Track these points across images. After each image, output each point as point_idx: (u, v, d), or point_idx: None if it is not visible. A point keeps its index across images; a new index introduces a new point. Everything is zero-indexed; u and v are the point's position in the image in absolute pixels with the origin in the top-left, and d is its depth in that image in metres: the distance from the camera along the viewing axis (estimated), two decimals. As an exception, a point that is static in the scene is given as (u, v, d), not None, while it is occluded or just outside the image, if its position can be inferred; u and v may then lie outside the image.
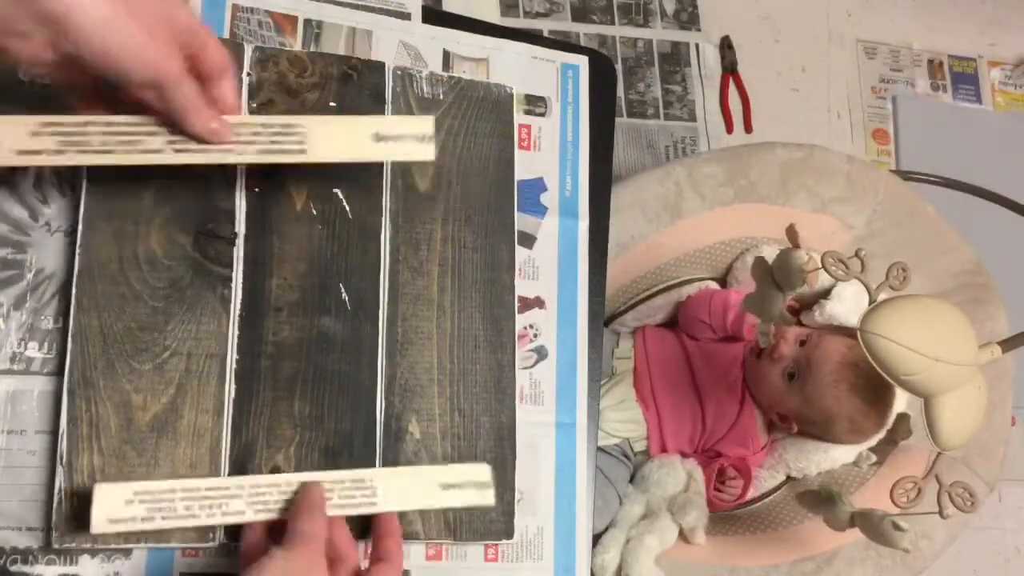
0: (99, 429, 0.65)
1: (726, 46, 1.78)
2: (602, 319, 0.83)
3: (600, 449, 1.17)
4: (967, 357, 0.81)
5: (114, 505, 0.61)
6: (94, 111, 0.60)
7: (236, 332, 0.69)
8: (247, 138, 0.62)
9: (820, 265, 0.84)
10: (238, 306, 0.69)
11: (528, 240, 0.81)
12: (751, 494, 1.25)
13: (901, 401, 1.18)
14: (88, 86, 0.58)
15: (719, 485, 1.21)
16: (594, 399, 0.81)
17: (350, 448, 0.70)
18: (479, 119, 0.79)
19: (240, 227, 0.71)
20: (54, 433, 0.64)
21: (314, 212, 0.72)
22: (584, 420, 0.80)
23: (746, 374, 1.24)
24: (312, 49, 0.77)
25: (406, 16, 0.81)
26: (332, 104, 0.74)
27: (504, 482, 0.74)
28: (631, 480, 1.23)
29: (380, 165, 0.75)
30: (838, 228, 1.24)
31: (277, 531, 0.63)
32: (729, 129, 1.75)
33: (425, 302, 0.74)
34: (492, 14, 1.63)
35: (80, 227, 0.67)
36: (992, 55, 1.96)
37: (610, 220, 0.85)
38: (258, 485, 0.65)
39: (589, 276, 0.82)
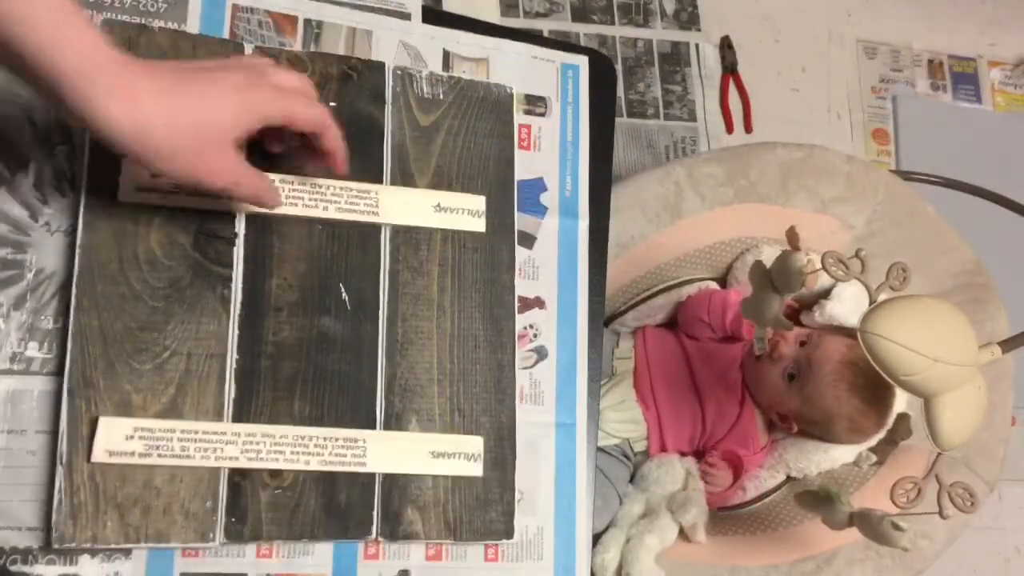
0: (99, 429, 0.65)
1: (726, 46, 1.78)
2: (602, 319, 0.83)
3: (600, 449, 1.17)
4: (967, 357, 0.81)
5: (115, 438, 0.64)
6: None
7: (236, 332, 0.69)
8: (330, 197, 0.72)
9: (819, 267, 0.84)
10: (238, 306, 0.69)
11: (528, 240, 0.81)
12: (751, 494, 1.24)
13: (901, 401, 1.18)
14: None
15: (704, 474, 1.21)
16: (594, 399, 0.81)
17: (350, 448, 0.71)
18: (479, 119, 0.79)
19: (240, 227, 0.71)
20: (54, 433, 0.64)
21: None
22: (584, 420, 0.79)
23: (746, 374, 1.24)
24: (312, 49, 0.77)
25: (406, 16, 0.81)
26: (332, 104, 0.74)
27: (504, 482, 0.74)
28: (631, 480, 1.23)
29: (379, 160, 0.75)
30: (838, 228, 1.24)
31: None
32: (729, 129, 1.75)
33: (425, 302, 0.74)
34: (492, 14, 1.63)
35: (80, 227, 0.67)
36: (992, 55, 1.95)
37: (610, 220, 0.85)
38: (254, 435, 0.67)
39: (589, 276, 0.82)
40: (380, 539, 0.70)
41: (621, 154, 1.66)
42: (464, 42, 0.82)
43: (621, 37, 1.73)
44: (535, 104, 0.84)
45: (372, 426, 0.71)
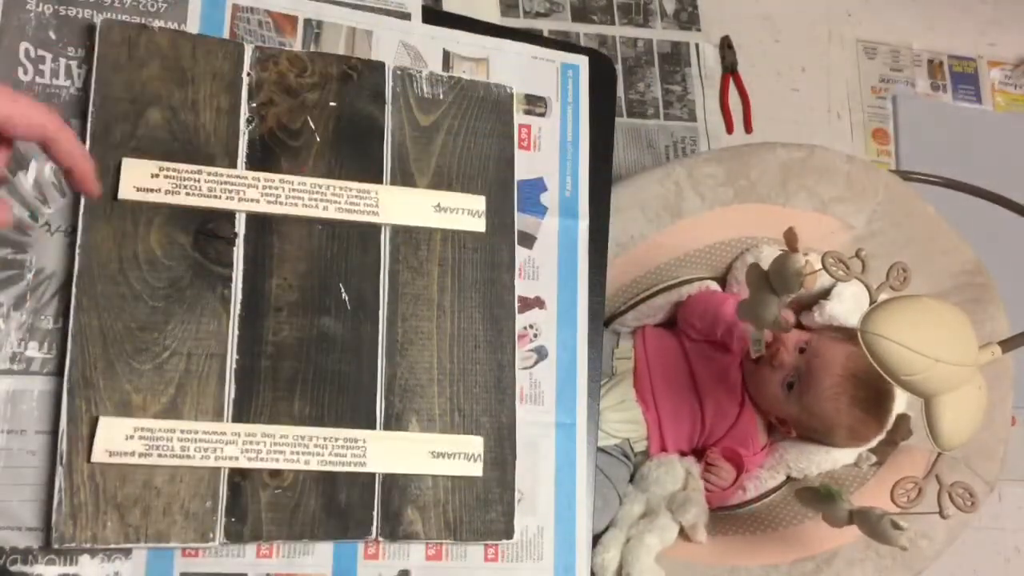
0: (99, 429, 0.65)
1: (726, 46, 1.78)
2: (602, 319, 0.83)
3: (600, 449, 1.17)
4: (967, 357, 0.81)
5: (115, 438, 0.64)
6: None
7: (236, 332, 0.69)
8: (330, 197, 0.72)
9: (818, 268, 0.84)
10: (238, 306, 0.69)
11: (528, 240, 0.81)
12: (751, 494, 1.24)
13: (901, 401, 1.18)
14: None
15: (707, 471, 1.21)
16: (594, 399, 0.81)
17: (350, 448, 0.71)
18: (479, 119, 0.79)
19: (240, 227, 0.71)
20: (54, 433, 0.64)
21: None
22: (584, 420, 0.79)
23: (745, 377, 1.24)
24: (312, 49, 0.77)
25: (406, 16, 0.81)
26: (332, 104, 0.74)
27: (504, 482, 0.74)
28: (630, 480, 1.23)
29: (379, 160, 0.75)
30: (838, 228, 1.24)
31: None
32: (729, 129, 1.75)
33: (425, 302, 0.74)
34: (492, 14, 1.63)
35: (80, 227, 0.67)
36: (992, 55, 1.95)
37: (610, 220, 0.85)
38: (254, 435, 0.67)
39: (589, 276, 0.82)
40: (380, 539, 0.70)
41: (621, 154, 1.66)
42: (464, 42, 0.82)
43: (621, 37, 1.73)
44: (535, 104, 0.84)
45: (372, 426, 0.71)
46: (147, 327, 0.67)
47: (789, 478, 1.27)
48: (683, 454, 1.24)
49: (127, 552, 0.65)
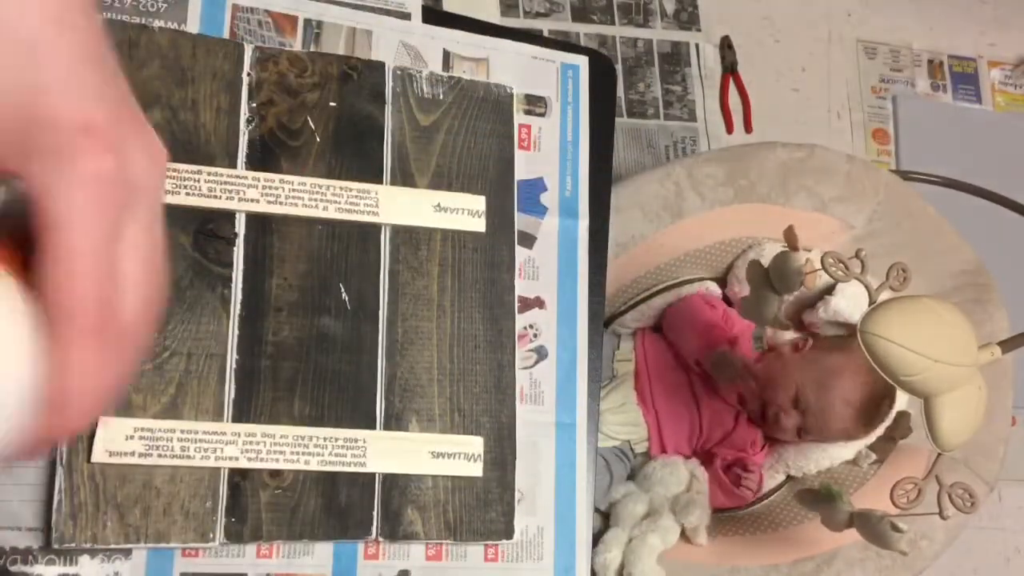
0: (99, 429, 0.65)
1: (726, 46, 1.78)
2: (602, 319, 0.83)
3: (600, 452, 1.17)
4: (967, 358, 0.81)
5: (115, 438, 0.64)
6: None
7: (236, 332, 0.69)
8: (330, 197, 0.72)
9: (818, 267, 0.84)
10: (238, 306, 0.69)
11: (528, 240, 0.81)
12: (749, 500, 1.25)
13: (901, 399, 1.18)
14: None
15: (736, 482, 1.21)
16: (594, 399, 0.81)
17: (350, 448, 0.71)
18: (479, 119, 0.79)
19: (240, 227, 0.71)
20: (54, 433, 0.64)
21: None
22: (584, 420, 0.79)
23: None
24: (312, 49, 0.77)
25: (406, 16, 0.81)
26: (332, 104, 0.74)
27: (504, 482, 0.74)
28: (632, 478, 1.23)
29: (379, 160, 0.75)
30: (838, 228, 1.24)
31: None
32: (729, 129, 1.75)
33: (425, 302, 0.74)
34: (492, 14, 1.63)
35: (80, 227, 0.67)
36: (992, 55, 1.95)
37: (610, 220, 0.85)
38: (254, 435, 0.67)
39: (589, 276, 0.82)
40: (380, 539, 0.70)
41: (621, 154, 1.66)
42: (464, 42, 0.82)
43: (621, 37, 1.73)
44: (535, 104, 0.84)
45: (372, 426, 0.71)
46: (147, 327, 0.67)
47: (789, 478, 1.27)
48: (684, 456, 1.24)
49: (127, 552, 0.65)
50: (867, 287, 0.88)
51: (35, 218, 0.28)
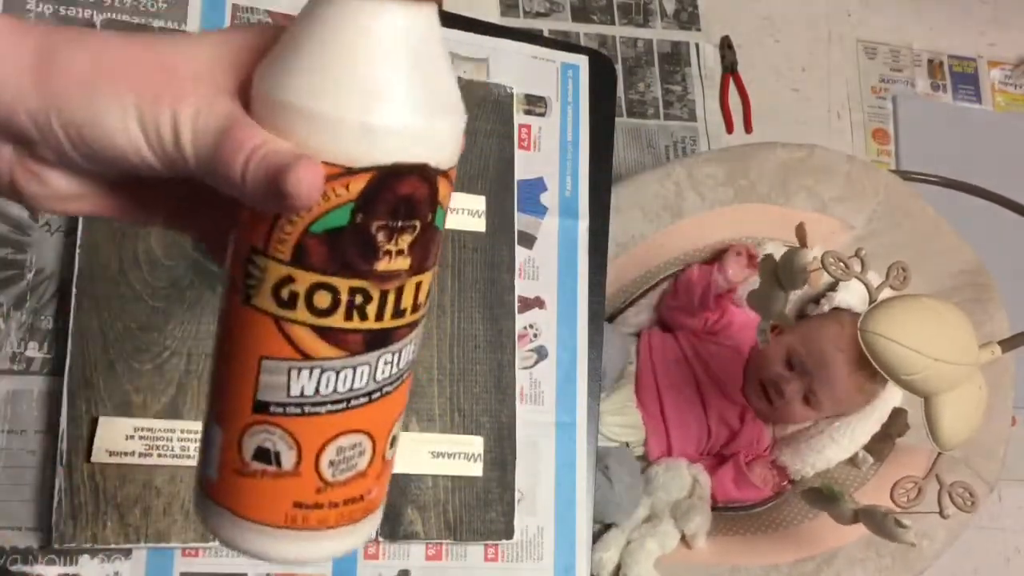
0: (99, 429, 0.65)
1: (726, 46, 1.78)
2: (602, 319, 0.83)
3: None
4: (967, 357, 0.81)
5: (115, 438, 0.64)
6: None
7: (236, 332, 0.69)
8: None
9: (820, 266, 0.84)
10: (238, 306, 0.69)
11: (528, 240, 0.81)
12: (759, 497, 1.25)
13: (898, 397, 1.18)
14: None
15: (751, 473, 1.21)
16: (594, 399, 0.81)
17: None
18: (479, 119, 0.79)
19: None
20: (54, 433, 0.64)
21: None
22: (584, 420, 0.79)
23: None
24: (312, 49, 0.77)
25: (406, 16, 0.81)
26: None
27: (504, 482, 0.74)
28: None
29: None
30: (838, 228, 1.24)
31: None
32: (729, 129, 1.75)
33: (425, 302, 0.74)
34: (492, 14, 1.63)
35: (80, 227, 0.67)
36: (992, 55, 1.95)
37: (610, 220, 0.85)
38: None
39: (589, 276, 0.82)
40: (380, 539, 0.70)
41: (621, 154, 1.66)
42: (464, 42, 0.82)
43: (621, 37, 1.73)
44: (535, 104, 0.84)
45: (372, 426, 0.71)
46: (147, 327, 0.67)
47: (789, 480, 1.27)
48: (690, 459, 1.24)
49: (127, 552, 0.65)
50: (867, 286, 0.88)
51: None
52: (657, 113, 1.71)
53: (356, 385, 0.33)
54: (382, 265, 0.32)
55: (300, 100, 0.31)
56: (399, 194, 0.32)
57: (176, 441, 0.65)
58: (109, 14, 0.71)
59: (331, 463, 0.34)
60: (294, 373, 0.33)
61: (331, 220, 0.31)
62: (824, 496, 0.98)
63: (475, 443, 0.73)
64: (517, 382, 0.76)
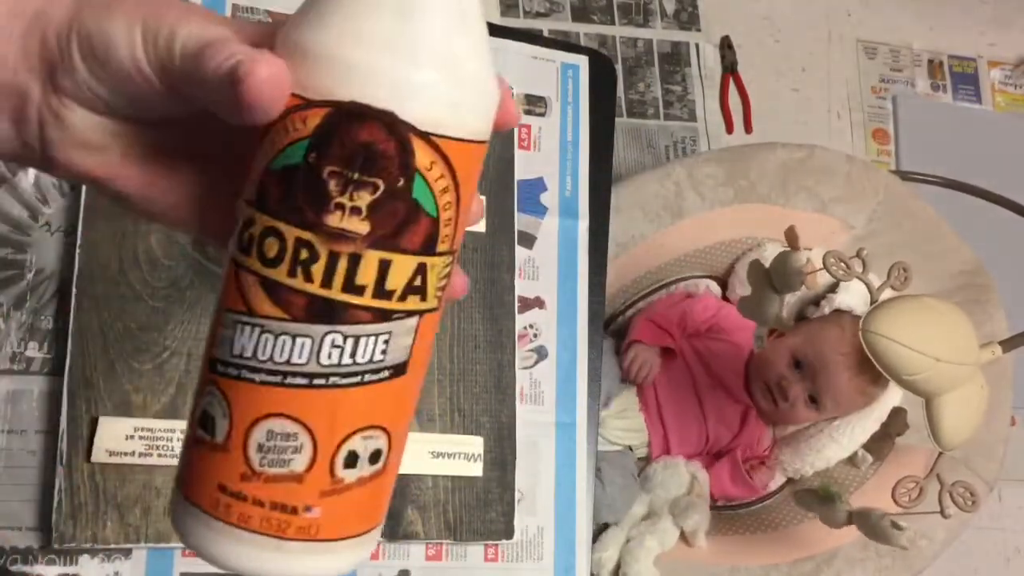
0: (99, 429, 0.65)
1: (726, 46, 1.78)
2: (602, 319, 0.83)
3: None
4: (968, 357, 0.81)
5: (115, 438, 0.64)
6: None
7: (236, 332, 0.69)
8: None
9: (819, 266, 0.84)
10: (238, 306, 0.69)
11: (528, 240, 0.81)
12: (754, 495, 1.25)
13: (897, 396, 1.18)
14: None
15: (751, 475, 1.21)
16: (594, 399, 0.81)
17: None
18: (479, 119, 0.79)
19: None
20: (54, 433, 0.64)
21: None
22: (584, 420, 0.79)
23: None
24: (312, 49, 0.77)
25: (406, 16, 0.81)
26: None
27: (504, 482, 0.74)
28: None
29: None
30: (838, 228, 1.24)
31: None
32: (729, 129, 1.75)
33: (425, 302, 0.74)
34: (492, 14, 1.63)
35: (80, 227, 0.67)
36: (992, 55, 1.95)
37: (610, 220, 0.85)
38: None
39: (589, 276, 0.82)
40: (380, 539, 0.70)
41: (621, 154, 1.66)
42: (464, 42, 0.82)
43: (621, 37, 1.73)
44: (535, 104, 0.84)
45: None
46: (147, 327, 0.67)
47: (789, 479, 1.27)
48: (690, 457, 1.24)
49: (127, 552, 0.65)
50: (868, 286, 0.88)
51: None
52: (657, 113, 1.71)
53: (294, 359, 0.30)
54: (333, 220, 0.30)
55: (287, 31, 0.30)
56: (356, 139, 0.29)
57: (176, 441, 0.65)
58: (109, 14, 0.71)
59: (259, 447, 0.31)
60: (238, 329, 0.31)
61: (288, 156, 0.30)
62: (819, 497, 0.98)
63: (475, 443, 0.73)
64: (517, 382, 0.76)
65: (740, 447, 1.23)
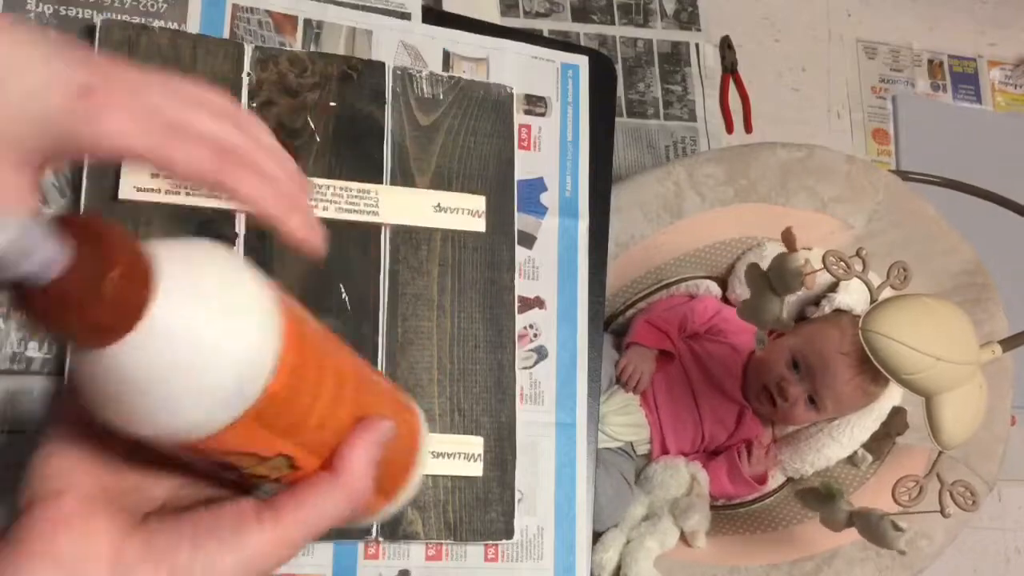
0: (99, 429, 0.65)
1: (726, 46, 1.78)
2: (602, 319, 0.83)
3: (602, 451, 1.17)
4: (968, 356, 0.81)
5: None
6: None
7: (236, 332, 0.69)
8: (330, 197, 0.72)
9: (818, 267, 0.84)
10: (238, 306, 0.69)
11: (528, 240, 0.81)
12: (753, 493, 1.25)
13: (897, 395, 1.18)
14: None
15: (748, 459, 1.21)
16: (594, 399, 0.81)
17: (350, 448, 0.70)
18: (479, 119, 0.79)
19: (240, 227, 0.71)
20: (54, 433, 0.64)
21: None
22: (584, 420, 0.79)
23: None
24: (312, 49, 0.77)
25: (406, 16, 0.81)
26: (332, 104, 0.74)
27: (504, 482, 0.74)
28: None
29: (379, 160, 0.75)
30: (838, 228, 1.24)
31: None
32: (729, 129, 1.75)
33: (425, 302, 0.74)
34: (492, 14, 1.63)
35: (80, 227, 0.67)
36: (992, 55, 1.95)
37: (610, 220, 0.85)
38: None
39: (589, 276, 0.82)
40: (380, 539, 0.70)
41: (621, 154, 1.66)
42: (464, 42, 0.82)
43: (621, 37, 1.73)
44: (535, 104, 0.84)
45: (372, 426, 0.71)
46: (147, 327, 0.67)
47: (789, 479, 1.27)
48: (687, 455, 1.24)
49: (127, 552, 0.65)
50: (868, 286, 0.88)
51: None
52: (657, 113, 1.71)
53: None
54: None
55: None
56: None
57: None
58: (109, 14, 0.71)
59: None
60: None
61: None
62: (821, 496, 0.98)
63: (475, 443, 0.73)
64: (517, 382, 0.76)
65: (736, 445, 1.23)
